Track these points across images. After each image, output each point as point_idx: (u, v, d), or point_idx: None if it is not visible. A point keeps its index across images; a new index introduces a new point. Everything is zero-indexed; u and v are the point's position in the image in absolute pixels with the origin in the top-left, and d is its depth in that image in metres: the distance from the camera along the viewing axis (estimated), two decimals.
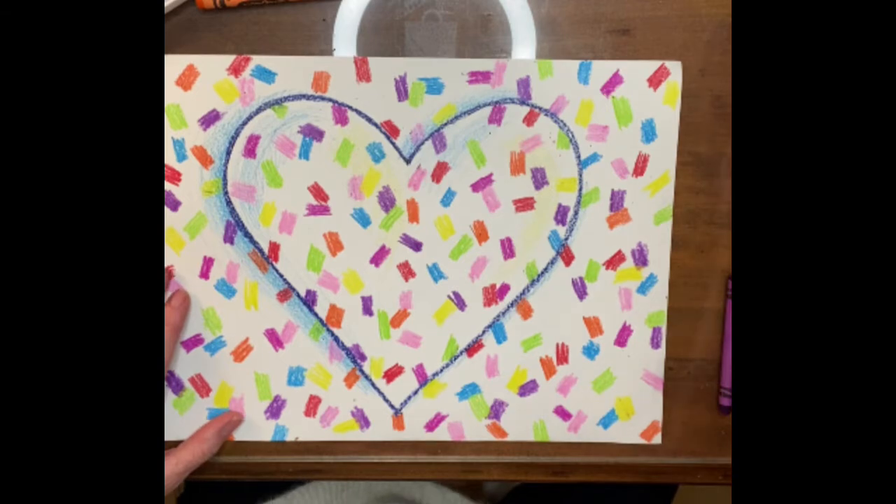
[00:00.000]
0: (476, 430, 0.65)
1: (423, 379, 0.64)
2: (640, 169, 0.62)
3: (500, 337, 0.64)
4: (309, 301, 0.63)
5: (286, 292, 0.63)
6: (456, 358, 0.64)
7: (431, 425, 0.65)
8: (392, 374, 0.64)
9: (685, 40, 0.60)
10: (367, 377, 0.64)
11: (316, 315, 0.63)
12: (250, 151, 0.60)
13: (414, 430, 0.65)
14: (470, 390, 0.65)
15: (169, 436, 0.63)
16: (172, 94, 0.59)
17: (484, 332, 0.64)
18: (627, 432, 0.66)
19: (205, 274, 0.62)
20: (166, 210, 0.61)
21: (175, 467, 0.59)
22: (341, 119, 0.60)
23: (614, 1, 0.59)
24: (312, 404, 0.64)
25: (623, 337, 0.64)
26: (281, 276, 0.62)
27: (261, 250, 0.62)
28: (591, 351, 0.64)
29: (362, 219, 0.62)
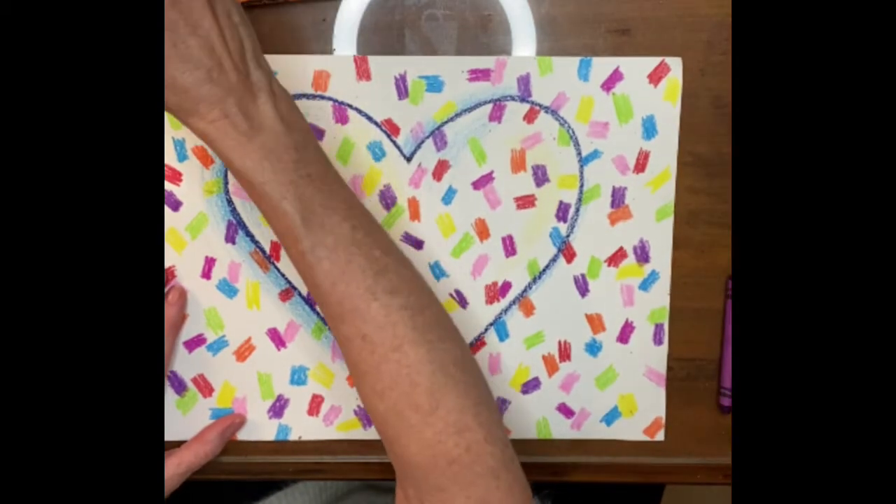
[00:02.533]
0: None
1: None
2: (641, 165, 0.62)
3: (503, 335, 0.64)
4: (311, 300, 0.63)
5: (288, 292, 0.63)
6: None
7: None
8: None
9: (685, 40, 0.60)
10: None
11: (318, 314, 0.63)
12: None
13: None
14: None
15: (172, 436, 0.63)
16: None
17: (486, 329, 0.64)
18: (630, 429, 0.66)
19: (206, 274, 0.62)
20: (168, 210, 0.61)
21: (177, 468, 0.60)
22: (341, 118, 0.60)
23: (614, 1, 0.59)
24: (315, 403, 0.64)
25: (625, 334, 0.64)
26: (283, 275, 0.62)
27: (262, 250, 0.62)
28: (593, 348, 0.64)
29: None
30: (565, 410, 0.65)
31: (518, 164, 0.61)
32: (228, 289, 0.62)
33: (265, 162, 0.49)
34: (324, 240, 0.50)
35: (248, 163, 0.48)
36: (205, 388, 0.64)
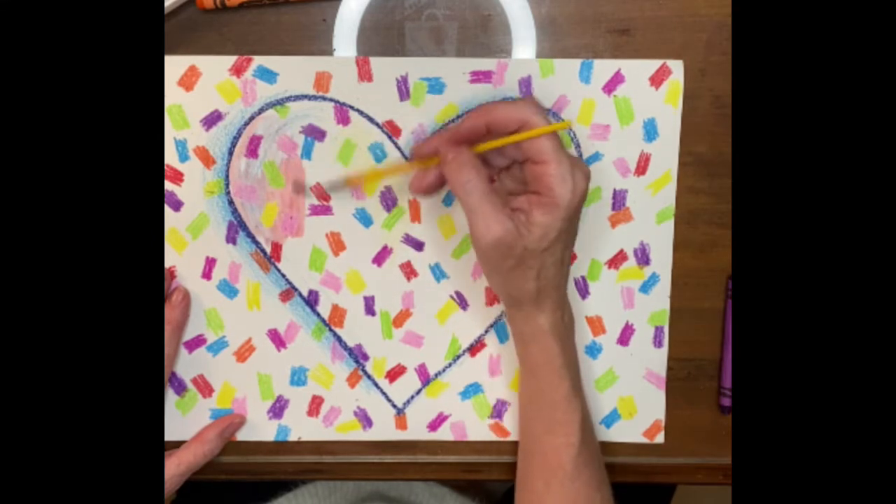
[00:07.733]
0: (478, 429, 0.65)
1: (425, 379, 0.64)
2: (641, 168, 0.62)
3: (503, 336, 0.64)
4: (311, 301, 0.63)
5: (288, 292, 0.63)
6: (458, 357, 0.64)
7: (434, 425, 0.65)
8: (394, 373, 0.64)
9: (685, 40, 0.60)
10: (369, 377, 0.64)
11: (318, 315, 0.63)
12: (252, 152, 0.60)
13: (416, 430, 0.65)
14: (472, 390, 0.65)
15: (171, 436, 0.63)
16: (174, 94, 0.59)
17: (486, 331, 0.64)
18: (630, 431, 0.66)
19: (207, 274, 0.62)
20: (169, 210, 0.61)
21: (177, 468, 0.60)
22: (343, 119, 0.60)
23: (614, 1, 0.59)
24: (315, 404, 0.64)
25: (625, 336, 0.64)
26: (283, 276, 0.62)
27: (263, 250, 0.62)
28: (593, 350, 0.64)
29: (364, 219, 0.62)
30: None
31: None
32: (229, 289, 0.62)
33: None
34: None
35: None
36: (205, 388, 0.64)
